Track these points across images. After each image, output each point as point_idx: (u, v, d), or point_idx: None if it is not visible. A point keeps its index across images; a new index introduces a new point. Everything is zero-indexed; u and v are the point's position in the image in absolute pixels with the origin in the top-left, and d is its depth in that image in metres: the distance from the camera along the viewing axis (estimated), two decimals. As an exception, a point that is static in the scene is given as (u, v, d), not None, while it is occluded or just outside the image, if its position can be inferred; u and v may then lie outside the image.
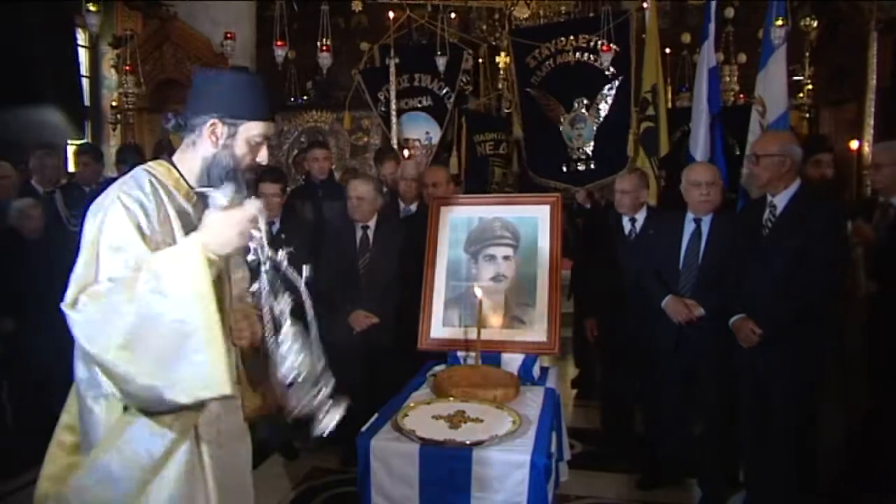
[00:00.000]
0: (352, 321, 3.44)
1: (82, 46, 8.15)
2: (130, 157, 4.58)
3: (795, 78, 6.09)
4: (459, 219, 3.02)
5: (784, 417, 2.83)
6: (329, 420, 1.49)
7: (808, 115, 6.88)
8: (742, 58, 8.12)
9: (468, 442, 2.05)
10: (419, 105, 6.29)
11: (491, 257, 2.92)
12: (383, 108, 6.22)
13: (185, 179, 1.59)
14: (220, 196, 1.43)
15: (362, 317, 3.45)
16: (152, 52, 7.22)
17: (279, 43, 6.25)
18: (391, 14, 6.31)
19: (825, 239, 2.75)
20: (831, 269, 2.76)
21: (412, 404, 2.37)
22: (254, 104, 1.58)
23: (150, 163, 1.61)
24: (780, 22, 4.27)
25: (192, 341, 1.35)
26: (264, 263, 1.48)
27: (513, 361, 2.69)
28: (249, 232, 1.45)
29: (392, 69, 5.91)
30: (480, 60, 7.73)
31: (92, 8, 4.66)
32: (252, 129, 1.57)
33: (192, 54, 7.26)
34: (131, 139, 7.26)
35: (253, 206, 1.45)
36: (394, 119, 6.02)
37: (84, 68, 8.24)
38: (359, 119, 6.88)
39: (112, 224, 1.43)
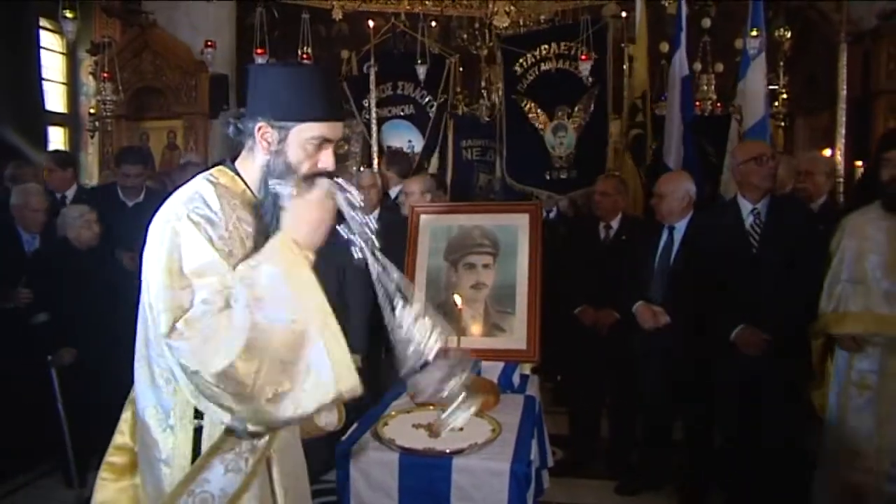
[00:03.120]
0: None
1: (59, 53, 8.06)
2: (133, 159, 4.36)
3: (770, 87, 6.20)
4: (439, 227, 3.03)
5: (772, 422, 2.87)
6: (462, 415, 1.41)
7: (783, 124, 7.01)
8: (719, 67, 8.26)
9: (448, 451, 2.05)
10: (402, 113, 6.29)
11: (471, 265, 2.93)
12: (367, 116, 6.22)
13: (250, 189, 1.45)
14: (283, 186, 1.34)
15: None
16: (131, 60, 7.17)
17: (259, 51, 6.23)
18: (371, 23, 6.32)
19: (814, 245, 2.79)
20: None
21: (392, 413, 2.37)
22: (305, 102, 1.39)
23: (212, 171, 1.46)
24: (754, 32, 4.36)
25: (308, 337, 1.27)
26: (361, 234, 1.36)
27: (493, 369, 2.70)
28: (332, 212, 1.35)
29: (372, 77, 5.91)
30: (462, 69, 7.77)
31: (68, 14, 4.62)
32: (305, 132, 1.39)
33: (171, 62, 7.22)
34: (109, 146, 7.19)
35: (323, 183, 1.36)
36: (374, 127, 6.03)
37: (61, 75, 8.15)
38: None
39: (189, 247, 1.31)
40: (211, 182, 1.41)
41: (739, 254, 2.96)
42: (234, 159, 1.49)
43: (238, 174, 1.45)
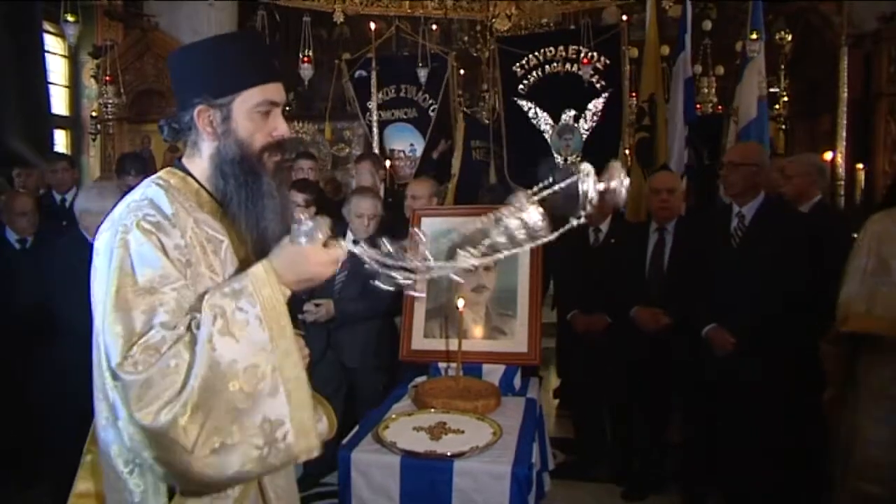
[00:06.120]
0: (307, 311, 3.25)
1: (61, 56, 8.08)
2: (135, 168, 4.23)
3: (772, 90, 6.22)
4: (440, 230, 3.03)
5: (762, 422, 2.87)
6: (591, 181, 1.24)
7: (783, 127, 7.02)
8: (720, 69, 8.28)
9: (449, 453, 2.05)
10: (404, 116, 6.31)
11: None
12: (370, 119, 6.24)
13: (204, 188, 1.31)
14: (307, 232, 1.20)
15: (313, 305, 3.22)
16: (133, 63, 7.21)
17: (261, 54, 6.23)
18: (373, 26, 6.34)
19: (796, 249, 2.80)
20: (802, 278, 2.80)
21: (393, 416, 2.37)
22: (240, 69, 1.25)
23: (160, 174, 1.32)
24: (754, 35, 4.38)
25: (271, 386, 1.14)
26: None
27: (494, 372, 2.70)
28: (329, 274, 1.23)
29: (373, 80, 5.94)
30: (462, 72, 7.80)
31: (70, 18, 4.64)
32: (249, 100, 1.25)
33: (173, 64, 7.25)
34: (111, 149, 7.21)
35: (342, 249, 1.22)
36: (374, 130, 6.05)
37: (63, 78, 8.17)
38: (341, 130, 6.90)
39: (140, 260, 1.16)
40: (160, 186, 1.27)
41: (720, 255, 3.00)
42: (180, 158, 1.36)
43: (189, 173, 1.31)
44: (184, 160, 1.34)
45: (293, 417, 1.15)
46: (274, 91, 1.28)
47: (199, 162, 1.31)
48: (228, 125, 1.25)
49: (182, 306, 1.16)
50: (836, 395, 2.61)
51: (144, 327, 1.12)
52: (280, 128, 1.30)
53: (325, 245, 1.21)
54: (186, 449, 1.08)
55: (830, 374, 2.60)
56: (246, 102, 1.25)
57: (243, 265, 1.29)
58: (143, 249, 1.16)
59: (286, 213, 1.33)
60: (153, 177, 1.31)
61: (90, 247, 1.24)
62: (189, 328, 1.15)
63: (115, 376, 1.12)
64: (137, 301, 1.13)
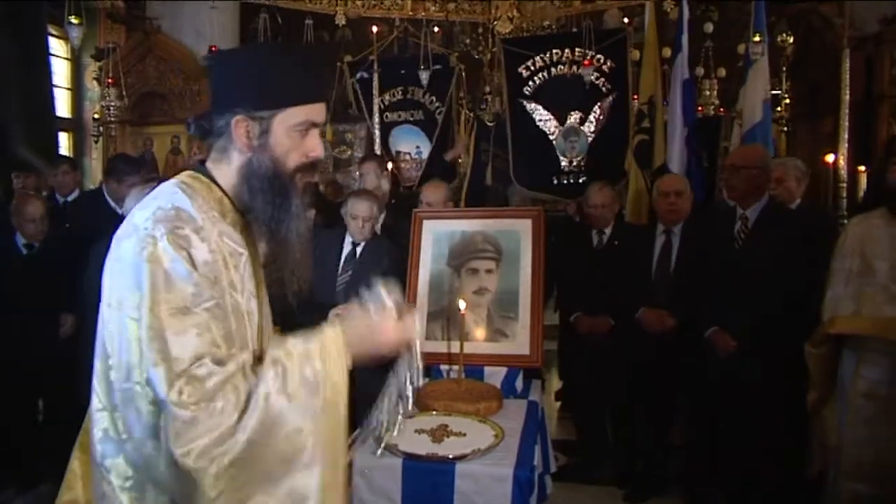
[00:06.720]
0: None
1: (64, 58, 8.10)
2: (126, 170, 4.14)
3: (773, 92, 6.22)
4: (442, 232, 3.03)
5: (762, 422, 2.87)
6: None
7: (785, 129, 7.01)
8: (721, 72, 8.27)
9: (451, 456, 2.05)
10: (411, 118, 6.30)
11: (473, 271, 2.93)
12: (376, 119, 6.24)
13: (227, 196, 1.25)
14: (385, 301, 1.22)
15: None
16: (135, 65, 7.23)
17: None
18: (375, 28, 6.34)
19: (798, 251, 2.81)
20: (804, 279, 2.79)
21: (395, 418, 2.37)
22: (289, 84, 1.21)
23: (183, 176, 1.26)
24: (757, 38, 4.39)
25: (309, 457, 1.10)
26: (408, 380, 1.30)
27: (496, 374, 2.70)
28: (396, 350, 1.24)
29: (375, 82, 5.94)
30: (465, 74, 7.80)
31: (73, 20, 4.65)
32: (292, 117, 1.21)
33: (175, 67, 7.29)
34: (113, 151, 7.22)
35: (417, 325, 1.26)
36: (377, 132, 6.05)
37: (66, 80, 8.18)
38: (342, 132, 6.88)
39: (173, 277, 1.09)
40: (185, 192, 1.20)
41: (724, 257, 3.00)
42: (203, 162, 1.30)
43: (213, 180, 1.25)
44: (209, 164, 1.28)
45: (320, 497, 1.11)
46: (317, 111, 1.25)
47: (227, 170, 1.26)
48: (266, 139, 1.22)
49: (210, 328, 1.11)
50: (820, 397, 2.61)
51: (180, 352, 1.07)
52: (317, 149, 1.27)
53: (396, 315, 1.23)
54: (208, 497, 1.05)
55: (814, 376, 2.60)
56: (287, 120, 1.22)
57: (259, 281, 1.28)
58: (176, 266, 1.10)
59: (307, 235, 1.32)
60: (175, 180, 1.25)
61: None
62: (243, 370, 1.11)
63: (162, 405, 1.07)
64: (171, 321, 1.08)
